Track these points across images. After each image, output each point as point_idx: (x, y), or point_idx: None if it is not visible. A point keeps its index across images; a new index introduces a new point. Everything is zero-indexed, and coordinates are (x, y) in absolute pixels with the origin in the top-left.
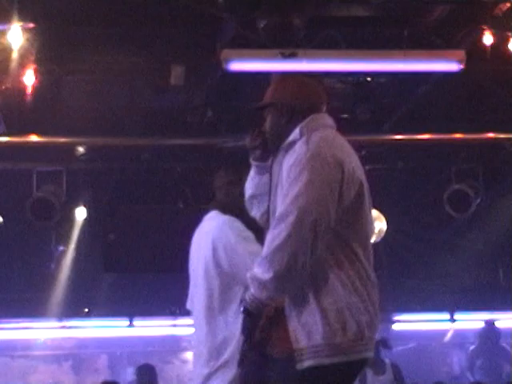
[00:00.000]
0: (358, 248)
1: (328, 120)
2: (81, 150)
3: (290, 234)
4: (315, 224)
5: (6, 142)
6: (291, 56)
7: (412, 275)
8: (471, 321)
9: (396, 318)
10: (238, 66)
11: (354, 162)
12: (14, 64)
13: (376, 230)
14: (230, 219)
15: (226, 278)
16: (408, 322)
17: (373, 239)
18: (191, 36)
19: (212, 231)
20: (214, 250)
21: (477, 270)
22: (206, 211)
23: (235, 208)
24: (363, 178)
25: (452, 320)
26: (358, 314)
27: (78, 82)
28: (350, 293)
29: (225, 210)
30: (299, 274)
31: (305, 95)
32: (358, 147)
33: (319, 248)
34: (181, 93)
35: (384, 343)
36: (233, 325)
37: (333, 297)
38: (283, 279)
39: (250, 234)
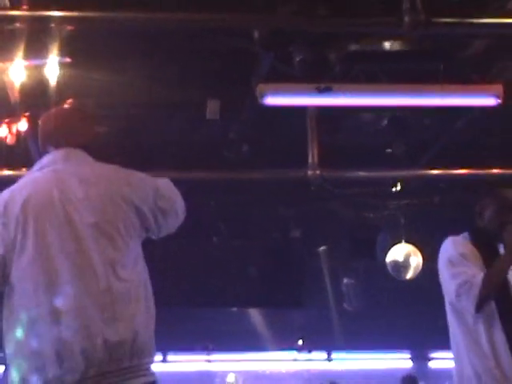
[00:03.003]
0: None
1: (49, 158)
2: None
3: None
4: None
5: None
6: (326, 90)
7: None
8: None
9: (432, 355)
10: (273, 100)
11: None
12: (50, 98)
13: (413, 265)
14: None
15: None
16: (445, 360)
17: (410, 275)
18: (227, 70)
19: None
20: None
21: None
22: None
23: None
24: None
25: None
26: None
27: (112, 117)
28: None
29: None
30: None
31: (40, 135)
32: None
33: None
34: (216, 127)
35: (411, 380)
36: None
37: None
38: None
39: None
